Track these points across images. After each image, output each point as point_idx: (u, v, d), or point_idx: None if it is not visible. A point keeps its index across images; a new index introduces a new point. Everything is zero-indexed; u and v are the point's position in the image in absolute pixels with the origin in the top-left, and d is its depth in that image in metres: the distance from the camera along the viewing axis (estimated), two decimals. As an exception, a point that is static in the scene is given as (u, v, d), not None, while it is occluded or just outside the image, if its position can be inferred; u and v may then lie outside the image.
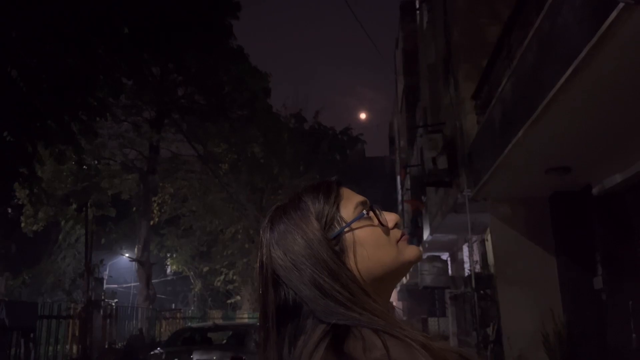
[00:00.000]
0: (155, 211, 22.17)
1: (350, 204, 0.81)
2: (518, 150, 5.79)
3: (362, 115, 56.47)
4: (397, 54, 24.44)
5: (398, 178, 27.88)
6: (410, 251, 0.81)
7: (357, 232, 0.78)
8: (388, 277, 0.79)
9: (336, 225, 0.78)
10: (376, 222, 0.80)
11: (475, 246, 11.28)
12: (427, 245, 14.67)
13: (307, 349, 0.67)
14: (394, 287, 0.85)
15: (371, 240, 0.78)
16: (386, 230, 0.80)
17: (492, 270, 8.63)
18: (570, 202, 7.38)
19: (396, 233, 0.81)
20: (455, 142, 9.46)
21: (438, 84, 11.76)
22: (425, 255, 15.41)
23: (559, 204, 7.55)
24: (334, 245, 0.76)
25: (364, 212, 0.80)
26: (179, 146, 20.56)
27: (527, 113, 5.10)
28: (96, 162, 17.94)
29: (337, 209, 0.80)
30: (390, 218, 0.82)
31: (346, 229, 0.77)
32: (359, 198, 0.83)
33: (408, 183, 17.82)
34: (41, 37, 8.76)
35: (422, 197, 14.61)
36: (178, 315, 20.82)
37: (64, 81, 9.04)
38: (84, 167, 15.37)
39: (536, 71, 5.01)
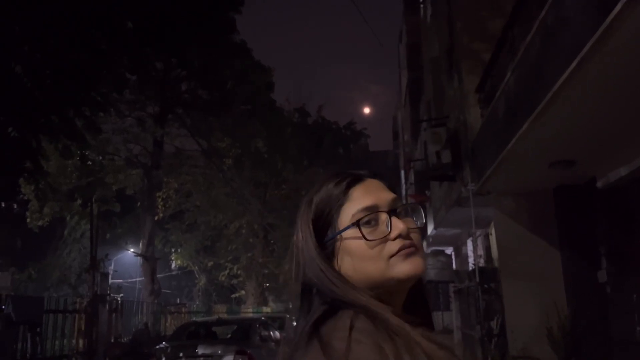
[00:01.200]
0: (159, 206, 22.25)
1: (352, 208, 0.82)
2: (522, 144, 5.78)
3: (366, 110, 56.48)
4: (400, 48, 24.37)
5: (402, 172, 27.85)
6: (402, 267, 0.79)
7: (346, 241, 0.81)
8: (379, 289, 0.79)
9: (330, 231, 0.82)
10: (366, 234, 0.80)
11: (479, 240, 11.28)
12: (431, 240, 14.67)
13: (306, 325, 0.75)
14: (397, 298, 0.82)
15: (358, 252, 0.80)
16: (374, 244, 0.79)
17: (496, 264, 8.63)
18: (575, 196, 7.37)
19: (392, 246, 0.79)
20: (459, 136, 9.44)
21: (442, 77, 11.73)
22: (429, 250, 15.41)
23: (563, 197, 7.53)
24: (325, 248, 0.82)
25: (352, 224, 0.80)
26: (182, 141, 20.60)
27: (530, 106, 5.09)
28: (100, 157, 17.99)
29: (338, 212, 0.82)
30: (396, 227, 0.80)
31: (337, 236, 0.81)
32: (365, 203, 0.82)
33: (412, 177, 17.82)
34: (44, 33, 8.78)
35: (426, 192, 14.60)
36: (183, 309, 20.94)
37: (67, 76, 9.06)
38: (89, 162, 15.42)
39: (540, 65, 5.00)
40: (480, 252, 11.10)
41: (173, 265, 29.83)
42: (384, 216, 0.81)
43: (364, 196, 0.83)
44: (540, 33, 4.97)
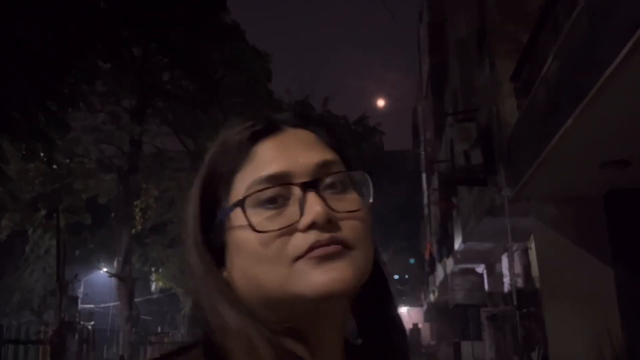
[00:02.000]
0: (137, 217, 22.31)
1: (250, 175, 0.61)
2: (567, 141, 5.77)
3: (380, 102, 56.43)
4: (421, 29, 24.43)
5: (423, 176, 27.87)
6: (312, 278, 0.56)
7: (235, 231, 0.61)
8: (283, 312, 0.59)
9: (218, 213, 0.63)
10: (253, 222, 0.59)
11: (516, 256, 11.25)
12: (459, 256, 14.66)
13: None
14: (322, 325, 0.61)
15: (248, 249, 0.59)
16: (269, 237, 0.58)
17: (536, 284, 8.62)
18: (630, 202, 7.34)
19: (300, 241, 0.58)
20: (491, 132, 9.45)
21: (470, 63, 11.74)
22: (457, 268, 15.39)
23: (616, 203, 7.51)
24: (214, 237, 0.63)
25: (235, 203, 0.60)
26: (164, 140, 20.71)
27: (577, 96, 5.08)
28: (68, 160, 18.09)
29: (231, 180, 0.63)
30: (310, 210, 0.58)
31: (225, 221, 0.62)
32: (270, 169, 0.61)
33: (436, 182, 17.81)
34: (2, 15, 8.85)
35: (453, 198, 14.59)
36: (165, 339, 20.96)
37: (30, 65, 9.13)
38: (54, 166, 15.50)
39: (588, 46, 5.00)
40: (518, 270, 11.07)
41: (153, 287, 29.89)
42: (297, 191, 0.59)
43: (273, 157, 0.62)
44: (588, 9, 4.97)
